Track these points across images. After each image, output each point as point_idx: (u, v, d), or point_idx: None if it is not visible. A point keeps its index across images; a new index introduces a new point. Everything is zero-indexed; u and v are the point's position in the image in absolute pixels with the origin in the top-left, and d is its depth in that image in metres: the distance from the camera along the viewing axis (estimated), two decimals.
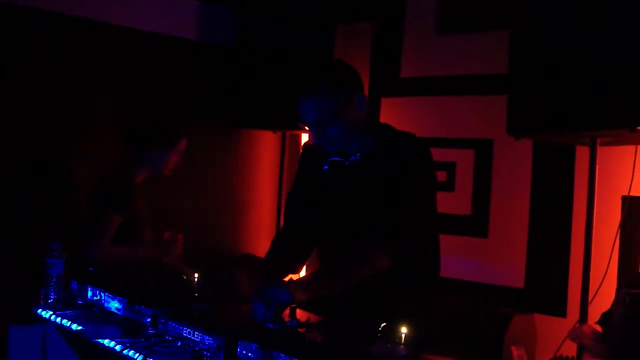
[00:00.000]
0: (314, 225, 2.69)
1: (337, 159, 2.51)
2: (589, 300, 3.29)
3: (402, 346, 1.89)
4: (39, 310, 2.61)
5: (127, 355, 2.13)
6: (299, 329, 2.09)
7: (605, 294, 3.17)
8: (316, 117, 2.44)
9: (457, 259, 4.15)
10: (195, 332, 2.08)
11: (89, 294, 2.62)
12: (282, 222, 4.81)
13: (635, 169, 3.43)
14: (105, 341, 2.26)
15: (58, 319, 2.51)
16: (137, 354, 2.11)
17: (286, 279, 2.38)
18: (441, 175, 4.33)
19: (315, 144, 2.55)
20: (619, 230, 3.49)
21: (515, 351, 3.34)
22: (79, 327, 2.42)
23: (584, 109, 3.01)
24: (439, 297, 2.78)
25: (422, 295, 2.62)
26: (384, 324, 1.98)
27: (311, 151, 2.71)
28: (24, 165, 3.92)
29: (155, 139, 3.62)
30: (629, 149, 3.46)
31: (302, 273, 3.16)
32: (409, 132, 2.60)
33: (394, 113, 4.62)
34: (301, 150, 2.86)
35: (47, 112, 4.00)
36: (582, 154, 3.74)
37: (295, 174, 2.84)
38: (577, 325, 2.98)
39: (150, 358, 2.07)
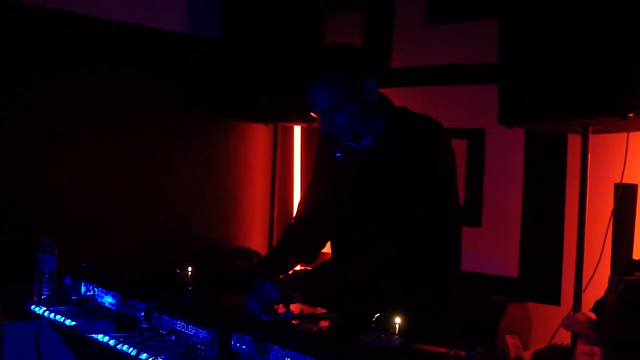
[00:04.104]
0: (327, 214, 2.64)
1: (349, 143, 2.47)
2: (583, 288, 3.30)
3: (395, 336, 1.88)
4: (32, 307, 2.60)
5: (121, 350, 2.13)
6: (293, 321, 2.09)
7: (598, 282, 3.17)
8: (325, 105, 2.41)
9: None
10: (189, 326, 2.08)
11: (83, 289, 2.61)
12: (275, 215, 4.84)
13: (627, 156, 3.43)
14: (99, 336, 2.26)
15: (52, 315, 2.51)
16: (131, 349, 2.11)
17: (297, 268, 2.34)
18: None
19: (326, 131, 2.52)
20: (612, 218, 3.49)
21: (510, 340, 3.34)
22: (73, 323, 2.41)
23: (575, 96, 3.01)
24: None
25: (438, 290, 2.54)
26: (378, 314, 1.98)
27: (326, 139, 2.65)
28: (12, 159, 3.90)
29: None
30: (621, 136, 3.46)
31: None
32: (424, 114, 2.54)
33: None
34: (318, 139, 2.80)
35: (35, 106, 3.98)
36: (574, 142, 3.74)
37: (313, 163, 2.80)
38: (571, 313, 2.99)
39: (144, 352, 2.07)
